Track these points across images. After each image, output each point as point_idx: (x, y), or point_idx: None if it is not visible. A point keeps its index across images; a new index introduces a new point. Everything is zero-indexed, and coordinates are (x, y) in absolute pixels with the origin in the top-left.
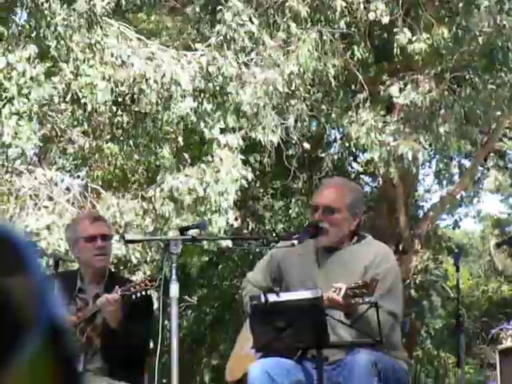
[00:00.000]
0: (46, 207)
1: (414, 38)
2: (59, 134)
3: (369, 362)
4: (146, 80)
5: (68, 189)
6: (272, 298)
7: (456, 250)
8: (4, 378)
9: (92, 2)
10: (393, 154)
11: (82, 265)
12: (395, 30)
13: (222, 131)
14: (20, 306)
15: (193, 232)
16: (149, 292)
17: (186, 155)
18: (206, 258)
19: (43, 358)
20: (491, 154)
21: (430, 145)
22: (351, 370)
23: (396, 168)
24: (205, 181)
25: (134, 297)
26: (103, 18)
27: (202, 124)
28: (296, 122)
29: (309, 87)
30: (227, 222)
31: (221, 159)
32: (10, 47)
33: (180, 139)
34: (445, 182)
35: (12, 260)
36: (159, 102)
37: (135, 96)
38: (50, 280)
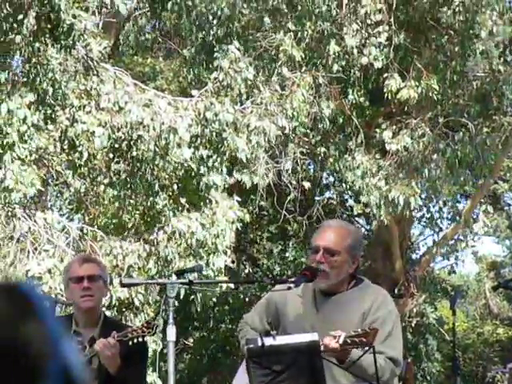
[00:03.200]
0: (46, 251)
1: (403, 85)
2: (55, 176)
3: None
4: (144, 127)
5: (67, 232)
6: (268, 341)
7: (452, 293)
8: None
9: (88, 47)
10: (385, 198)
11: (74, 307)
12: (385, 75)
13: (218, 175)
14: (34, 353)
15: (190, 275)
16: (145, 338)
17: (183, 201)
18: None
19: None
20: (481, 200)
21: (422, 189)
22: None
23: (389, 212)
24: (204, 225)
25: (130, 343)
26: (100, 63)
27: (200, 171)
28: (291, 165)
29: (304, 131)
30: (225, 265)
31: (216, 202)
32: (8, 93)
33: (176, 186)
34: (438, 226)
35: (24, 309)
36: (157, 149)
37: (132, 142)
38: (63, 329)
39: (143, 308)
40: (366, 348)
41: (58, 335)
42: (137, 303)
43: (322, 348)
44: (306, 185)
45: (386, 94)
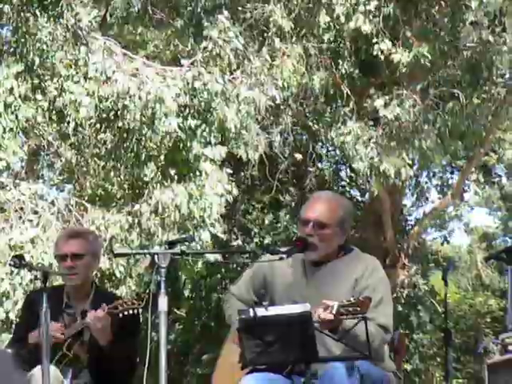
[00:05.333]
0: (30, 221)
1: (394, 50)
2: (46, 146)
3: (349, 365)
4: (130, 96)
5: (53, 202)
6: (261, 312)
7: (444, 264)
8: None
9: (78, 17)
10: (376, 169)
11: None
12: (375, 40)
13: (207, 146)
14: None
15: (181, 246)
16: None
17: (172, 172)
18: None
19: None
20: (472, 170)
21: (413, 160)
22: (331, 377)
23: (379, 182)
24: (192, 197)
25: (120, 315)
26: (90, 32)
27: (188, 141)
28: (282, 136)
29: (294, 101)
30: (216, 236)
31: (206, 173)
32: None
33: (164, 156)
34: (430, 197)
35: None
36: (143, 119)
37: (119, 112)
38: None
39: (125, 280)
40: (359, 317)
41: None
42: (118, 275)
43: (314, 319)
44: (298, 156)
45: (376, 58)
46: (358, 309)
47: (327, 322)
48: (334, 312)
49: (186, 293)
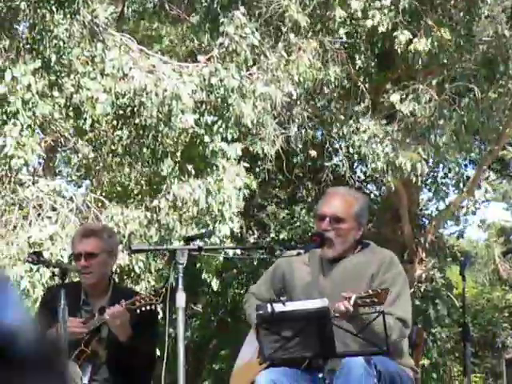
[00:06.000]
0: (49, 218)
1: (415, 40)
2: (63, 142)
3: (366, 362)
4: (147, 93)
5: (71, 199)
6: (278, 307)
7: (462, 258)
8: None
9: (94, 13)
10: (392, 164)
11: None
12: (395, 33)
13: (223, 141)
14: None
15: (199, 241)
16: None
17: (190, 167)
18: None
19: None
20: (484, 167)
21: (429, 155)
22: (348, 372)
23: (396, 178)
24: (210, 191)
25: (138, 310)
26: (106, 28)
27: (205, 136)
28: (299, 130)
29: (310, 97)
30: (232, 231)
31: (224, 168)
32: (12, 60)
33: (180, 153)
34: (444, 193)
35: None
36: (160, 115)
37: (135, 109)
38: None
39: (144, 276)
40: (377, 310)
41: None
42: (137, 270)
43: (333, 312)
44: (313, 153)
45: (394, 50)
46: (376, 300)
47: (343, 313)
48: (351, 302)
49: (206, 288)
